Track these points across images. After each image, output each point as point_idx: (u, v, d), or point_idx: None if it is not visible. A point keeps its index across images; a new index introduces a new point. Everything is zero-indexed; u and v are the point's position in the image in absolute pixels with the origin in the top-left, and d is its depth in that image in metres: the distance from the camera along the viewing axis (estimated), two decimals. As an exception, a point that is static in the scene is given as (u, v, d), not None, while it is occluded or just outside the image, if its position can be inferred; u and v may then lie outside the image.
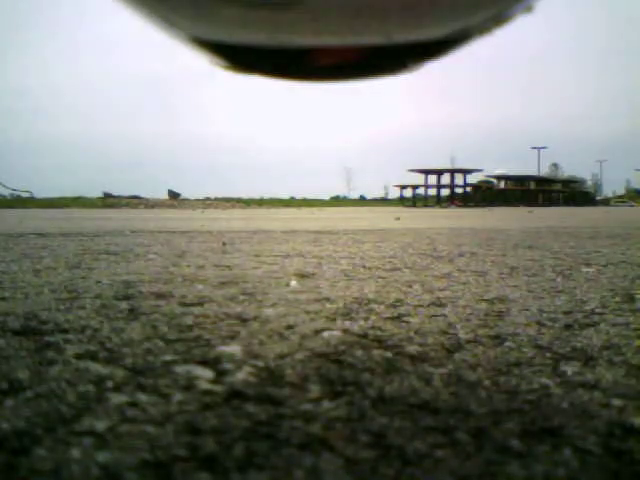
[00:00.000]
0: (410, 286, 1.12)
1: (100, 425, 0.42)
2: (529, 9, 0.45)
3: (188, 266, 1.43)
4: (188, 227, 3.48)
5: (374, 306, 0.91)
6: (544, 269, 1.41)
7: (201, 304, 0.91)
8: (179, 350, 0.63)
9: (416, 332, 0.73)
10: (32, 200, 14.14)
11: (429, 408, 0.47)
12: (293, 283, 1.15)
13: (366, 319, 0.81)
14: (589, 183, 52.59)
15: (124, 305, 0.90)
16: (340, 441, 0.40)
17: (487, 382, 0.53)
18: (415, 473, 0.36)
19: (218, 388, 0.51)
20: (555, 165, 53.62)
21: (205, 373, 0.55)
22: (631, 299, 0.98)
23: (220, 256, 1.70)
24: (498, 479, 0.35)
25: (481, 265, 1.49)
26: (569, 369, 0.57)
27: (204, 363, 0.58)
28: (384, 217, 6.18)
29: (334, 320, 0.80)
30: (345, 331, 0.73)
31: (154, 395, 0.49)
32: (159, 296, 0.99)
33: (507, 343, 0.68)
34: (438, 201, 18.73)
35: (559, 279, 1.24)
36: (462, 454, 0.38)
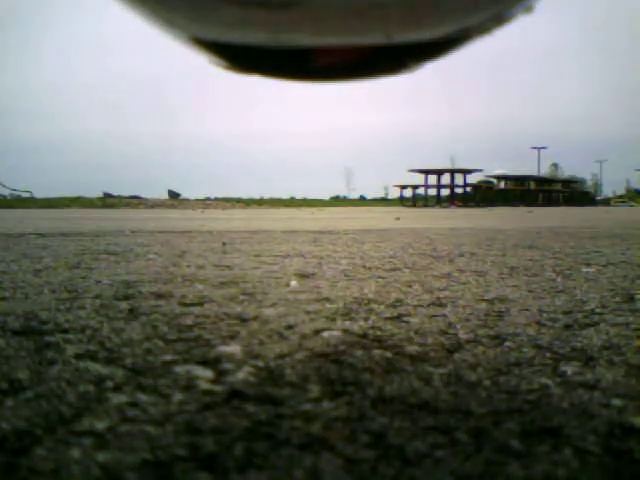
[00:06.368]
0: (410, 286, 1.12)
1: (100, 425, 0.42)
2: (529, 9, 0.45)
3: (188, 266, 1.43)
4: (188, 227, 3.48)
5: (374, 306, 0.91)
6: (544, 269, 1.41)
7: (201, 304, 0.91)
8: (179, 350, 0.63)
9: (416, 332, 0.73)
10: (32, 200, 14.13)
11: (429, 408, 0.47)
12: (293, 283, 1.15)
13: (366, 319, 0.81)
14: (589, 183, 52.60)
15: (124, 305, 0.90)
16: (340, 441, 0.40)
17: (487, 382, 0.53)
18: (415, 473, 0.36)
19: (218, 388, 0.51)
20: (555, 165, 53.59)
21: (205, 373, 0.55)
22: (631, 299, 0.98)
23: (220, 256, 1.70)
24: (498, 479, 0.35)
25: (481, 265, 1.49)
26: (569, 369, 0.57)
27: (204, 363, 0.58)
28: (384, 217, 6.18)
29: (334, 320, 0.80)
30: (345, 331, 0.73)
31: (154, 395, 0.49)
32: (159, 296, 0.99)
33: (507, 343, 0.68)
34: (438, 201, 18.73)
35: (559, 279, 1.24)
36: (462, 454, 0.38)
